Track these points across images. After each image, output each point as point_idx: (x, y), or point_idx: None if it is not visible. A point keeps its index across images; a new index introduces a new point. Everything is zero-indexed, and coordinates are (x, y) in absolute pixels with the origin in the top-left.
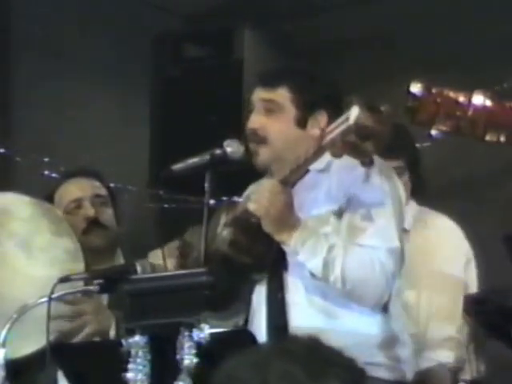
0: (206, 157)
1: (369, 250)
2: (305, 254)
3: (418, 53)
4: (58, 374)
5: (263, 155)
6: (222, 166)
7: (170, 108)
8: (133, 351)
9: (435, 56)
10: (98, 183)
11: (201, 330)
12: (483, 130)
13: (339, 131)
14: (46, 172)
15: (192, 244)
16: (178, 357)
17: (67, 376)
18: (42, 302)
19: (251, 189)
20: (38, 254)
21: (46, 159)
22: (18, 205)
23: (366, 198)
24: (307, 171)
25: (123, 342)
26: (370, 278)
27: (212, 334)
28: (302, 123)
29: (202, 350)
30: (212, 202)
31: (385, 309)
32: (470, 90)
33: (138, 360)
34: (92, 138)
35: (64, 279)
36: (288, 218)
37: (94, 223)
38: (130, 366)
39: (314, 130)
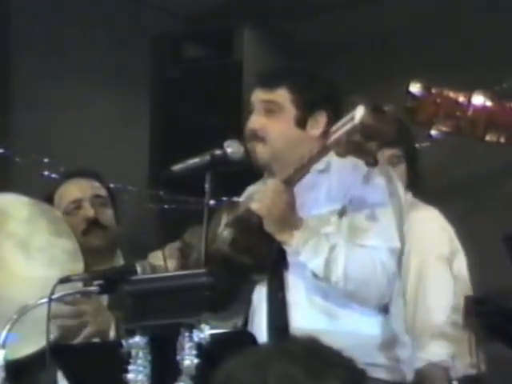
0: (207, 157)
1: (370, 250)
2: (306, 254)
3: (418, 53)
4: (57, 375)
5: (262, 153)
6: (223, 167)
7: (169, 108)
8: (133, 352)
9: (435, 56)
10: (97, 184)
11: (201, 330)
12: (483, 131)
13: (344, 131)
14: (46, 172)
15: (192, 245)
16: (178, 357)
17: (67, 377)
18: (43, 303)
19: (250, 190)
20: (37, 254)
21: (46, 160)
22: (16, 205)
23: (367, 199)
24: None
25: (123, 342)
26: (372, 278)
27: (212, 335)
28: (301, 123)
29: (202, 350)
30: (212, 202)
31: (385, 309)
32: (469, 90)
33: (139, 361)
34: (92, 139)
35: (64, 280)
36: (290, 217)
37: (93, 224)
38: (131, 366)
39: (313, 130)
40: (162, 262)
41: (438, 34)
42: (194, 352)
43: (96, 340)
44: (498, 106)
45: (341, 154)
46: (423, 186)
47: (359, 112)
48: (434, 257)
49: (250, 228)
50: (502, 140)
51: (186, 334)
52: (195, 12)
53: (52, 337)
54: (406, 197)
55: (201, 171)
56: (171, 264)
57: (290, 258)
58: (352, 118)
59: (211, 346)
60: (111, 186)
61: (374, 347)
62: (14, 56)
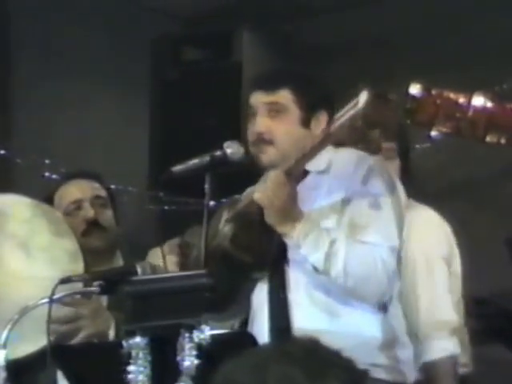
0: (206, 158)
1: (371, 247)
2: (307, 248)
3: (418, 53)
4: (57, 375)
5: (270, 155)
6: (222, 168)
7: (169, 110)
8: (133, 352)
9: (435, 57)
10: (97, 185)
11: (201, 331)
12: (483, 132)
13: (348, 116)
14: (47, 173)
15: (192, 244)
16: (178, 358)
17: (68, 377)
18: (43, 303)
19: (249, 191)
20: (38, 254)
21: (47, 160)
22: (17, 206)
23: (367, 197)
24: (307, 172)
25: (124, 343)
26: (372, 275)
27: (212, 336)
28: (306, 123)
29: (202, 351)
30: (212, 203)
31: (384, 308)
32: (469, 91)
33: (139, 361)
34: (92, 140)
35: (65, 280)
36: (291, 209)
37: (93, 225)
38: (131, 367)
39: (317, 129)
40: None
41: (438, 35)
42: (194, 353)
43: (96, 341)
44: (499, 107)
45: (344, 142)
46: (415, 186)
47: (363, 97)
48: (437, 256)
49: (251, 223)
50: (503, 141)
51: (186, 334)
52: (195, 14)
53: (47, 339)
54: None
55: (201, 172)
56: (171, 260)
57: (291, 255)
58: (356, 104)
59: (211, 347)
60: (111, 187)
61: (374, 347)
62: (15, 57)
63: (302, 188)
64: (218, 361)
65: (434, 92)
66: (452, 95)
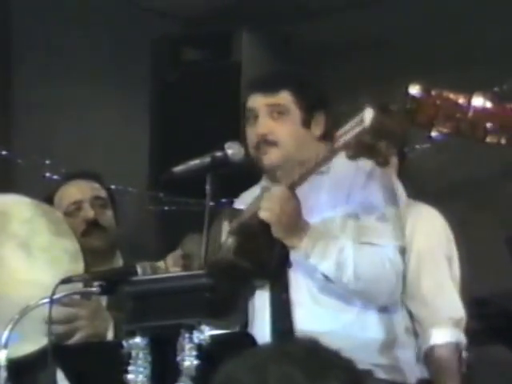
0: (207, 159)
1: (377, 248)
2: (316, 257)
3: (418, 54)
4: (57, 375)
5: (273, 157)
6: (223, 168)
7: (169, 110)
8: (133, 353)
9: (435, 57)
10: (97, 185)
11: (201, 331)
12: (483, 132)
13: (353, 134)
14: (47, 174)
15: (192, 254)
16: (178, 358)
17: (68, 377)
18: (44, 303)
19: (244, 196)
20: (38, 254)
21: (47, 161)
22: (17, 206)
23: (371, 199)
24: None
25: (124, 343)
26: (382, 276)
27: (212, 336)
28: (307, 124)
29: (202, 351)
30: (212, 204)
31: (385, 308)
32: (469, 92)
33: (139, 361)
34: (92, 140)
35: (65, 280)
36: (297, 222)
37: (93, 225)
38: (131, 367)
39: (316, 130)
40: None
41: (437, 36)
42: (194, 353)
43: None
44: (499, 107)
45: (351, 157)
46: (414, 185)
47: (368, 114)
48: (441, 251)
49: (254, 235)
50: (503, 141)
51: (186, 335)
52: (194, 15)
53: (48, 339)
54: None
55: (201, 173)
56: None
57: (293, 257)
58: (361, 121)
59: (211, 347)
60: (111, 187)
61: (375, 347)
62: (15, 58)
63: (302, 189)
64: (217, 361)
65: (433, 92)
66: (452, 96)
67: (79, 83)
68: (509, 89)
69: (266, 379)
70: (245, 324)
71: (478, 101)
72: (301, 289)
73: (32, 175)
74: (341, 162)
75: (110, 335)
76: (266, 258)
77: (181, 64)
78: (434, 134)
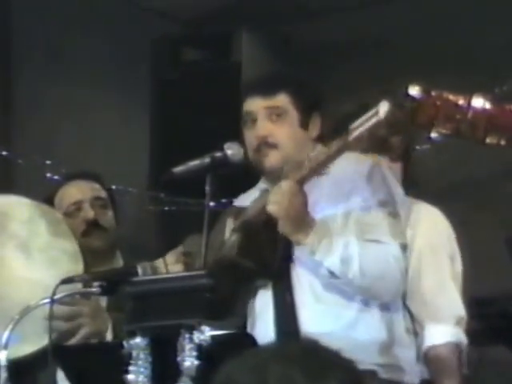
0: (207, 159)
1: (381, 245)
2: (321, 253)
3: (418, 54)
4: (57, 375)
5: (274, 159)
6: (223, 169)
7: (169, 110)
8: (134, 353)
9: (435, 58)
10: (98, 186)
11: (201, 332)
12: (483, 133)
13: (367, 126)
14: (48, 174)
15: (193, 253)
16: (178, 359)
17: (68, 377)
18: (44, 303)
19: (242, 198)
20: (37, 255)
21: (48, 161)
22: (16, 207)
23: (373, 197)
24: None
25: (124, 343)
26: (387, 272)
27: (212, 337)
28: (305, 125)
29: (202, 352)
30: (212, 204)
31: (386, 307)
32: (469, 93)
33: (139, 362)
34: (92, 141)
35: (66, 280)
36: (305, 217)
37: (93, 225)
38: (131, 367)
39: (314, 131)
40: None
41: (437, 37)
42: (195, 353)
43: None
44: (499, 108)
45: (364, 150)
46: (417, 184)
47: (383, 107)
48: (443, 250)
49: (258, 232)
50: (503, 142)
51: (187, 335)
52: (194, 15)
53: (48, 339)
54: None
55: (201, 173)
56: (178, 268)
57: (296, 255)
58: (376, 114)
59: (211, 348)
60: (112, 187)
61: (376, 347)
62: (16, 58)
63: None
64: (218, 361)
65: (433, 93)
66: (452, 97)
67: (79, 83)
68: (509, 90)
69: (266, 380)
70: (243, 325)
71: (478, 102)
72: (303, 288)
73: (32, 175)
74: (341, 162)
75: (108, 336)
76: (269, 258)
77: (181, 64)
78: (433, 134)
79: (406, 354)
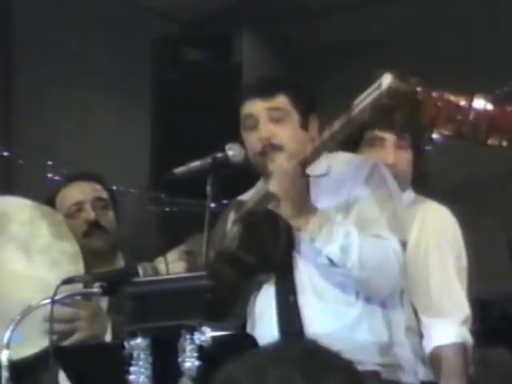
0: (208, 160)
1: (381, 239)
2: (321, 241)
3: (418, 55)
4: (59, 376)
5: (282, 162)
6: (224, 170)
7: (169, 111)
8: (135, 354)
9: (435, 58)
10: (99, 186)
11: (202, 333)
12: (485, 134)
13: (370, 99)
14: (49, 175)
15: (195, 252)
16: (179, 359)
17: (69, 378)
18: (45, 304)
19: (253, 192)
20: (38, 256)
21: (49, 162)
22: (17, 208)
23: (373, 195)
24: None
25: (125, 344)
26: (386, 265)
27: (213, 338)
28: (305, 126)
29: (203, 352)
30: (213, 205)
31: (384, 304)
32: (470, 94)
33: (140, 362)
34: (93, 142)
35: (67, 281)
36: (305, 202)
37: (94, 226)
38: (132, 368)
39: (312, 132)
40: (171, 266)
41: (438, 36)
42: (195, 354)
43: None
44: (500, 110)
45: (367, 122)
46: (427, 187)
47: (386, 79)
48: (449, 248)
49: (259, 224)
50: (504, 144)
51: (187, 336)
52: (195, 16)
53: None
54: (409, 194)
55: (202, 174)
56: (181, 266)
57: (298, 251)
58: (378, 86)
59: (212, 349)
60: (112, 188)
61: (377, 346)
62: (17, 58)
63: None
64: (218, 362)
65: (434, 94)
66: (453, 98)
67: (80, 84)
68: (509, 91)
69: (266, 381)
70: (242, 326)
71: (480, 103)
72: (304, 285)
73: (33, 176)
74: (340, 164)
75: (107, 339)
76: (271, 249)
77: (181, 64)
78: (435, 135)
79: (405, 353)
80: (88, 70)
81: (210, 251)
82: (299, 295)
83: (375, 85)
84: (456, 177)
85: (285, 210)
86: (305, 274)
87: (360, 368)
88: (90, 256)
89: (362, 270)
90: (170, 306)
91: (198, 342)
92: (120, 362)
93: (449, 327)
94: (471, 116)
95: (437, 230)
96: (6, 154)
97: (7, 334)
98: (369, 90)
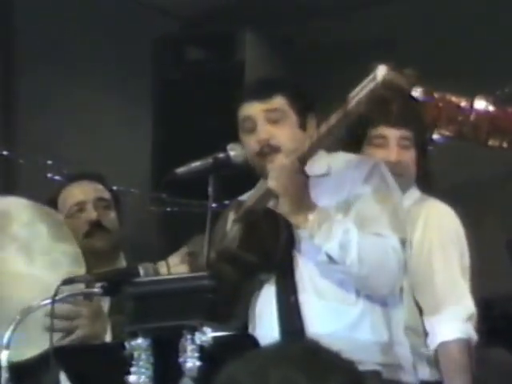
0: (210, 160)
1: (381, 237)
2: (320, 238)
3: (418, 55)
4: (60, 377)
5: (279, 160)
6: (226, 170)
7: (171, 111)
8: (136, 354)
9: (435, 58)
10: (101, 186)
11: (203, 333)
12: (486, 135)
13: (366, 91)
14: (50, 174)
15: (196, 253)
16: (180, 360)
17: (70, 378)
18: (46, 304)
19: (252, 193)
20: (39, 257)
21: (49, 162)
22: (18, 209)
23: (372, 193)
24: (307, 177)
25: (126, 344)
26: (385, 263)
27: (214, 338)
28: (303, 127)
29: (204, 353)
30: (214, 205)
31: (384, 302)
32: (470, 94)
33: (141, 363)
34: (94, 141)
35: (67, 281)
36: (304, 198)
37: (96, 226)
38: (133, 368)
39: (311, 132)
40: (173, 270)
41: (438, 36)
42: (196, 354)
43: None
44: (501, 111)
45: (363, 113)
46: (431, 186)
47: (381, 71)
48: (453, 246)
49: (259, 222)
50: (505, 145)
51: (189, 336)
52: (197, 15)
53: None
54: (414, 193)
55: (204, 174)
56: (183, 269)
57: (298, 251)
58: (373, 78)
59: (213, 349)
60: (114, 188)
61: (378, 346)
62: (18, 58)
63: None
64: (219, 362)
65: (436, 95)
66: (454, 99)
67: (81, 83)
68: (510, 92)
69: (268, 382)
70: (244, 326)
71: (481, 104)
72: (305, 283)
73: (34, 176)
74: (340, 163)
75: (107, 339)
76: (271, 248)
77: (184, 64)
78: (436, 136)
79: (405, 352)
80: (90, 69)
81: (211, 252)
82: (300, 294)
83: (370, 77)
84: (456, 177)
85: (283, 207)
86: (305, 273)
87: (361, 368)
88: (91, 256)
89: (361, 268)
90: (171, 306)
91: (199, 342)
92: (121, 362)
93: (453, 324)
94: (472, 117)
95: (440, 229)
96: (6, 153)
97: (7, 335)
98: (364, 83)
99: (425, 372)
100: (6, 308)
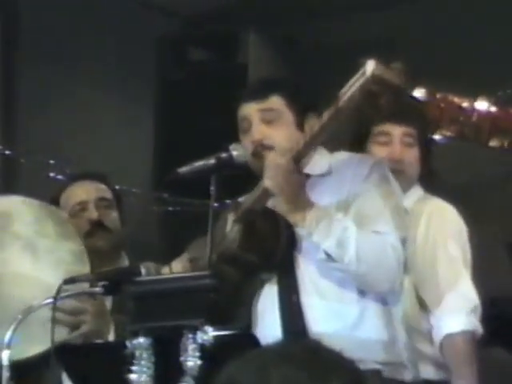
0: (212, 160)
1: (380, 235)
2: (319, 235)
3: (418, 55)
4: (63, 375)
5: (272, 157)
6: (228, 170)
7: (173, 111)
8: (137, 353)
9: (435, 59)
10: (103, 186)
11: (204, 332)
12: (487, 136)
13: (357, 87)
14: (51, 174)
15: (198, 258)
16: (181, 359)
17: (71, 377)
18: (48, 303)
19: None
20: (43, 256)
21: (51, 161)
22: (22, 207)
23: (372, 191)
24: (308, 176)
25: (127, 343)
26: (384, 260)
27: (215, 337)
28: (301, 126)
29: (205, 352)
30: (216, 205)
31: (385, 300)
32: (470, 94)
33: (142, 362)
34: (96, 141)
35: (69, 280)
36: (301, 197)
37: (97, 226)
38: (134, 367)
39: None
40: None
41: (438, 36)
42: (198, 353)
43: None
44: (502, 111)
45: (354, 112)
46: (434, 184)
47: (370, 66)
48: (456, 245)
49: (259, 222)
50: (506, 145)
51: (190, 335)
52: (200, 15)
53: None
54: (417, 191)
55: (206, 174)
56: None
57: (299, 250)
58: (363, 74)
59: (214, 348)
60: (116, 187)
61: (380, 345)
62: (19, 57)
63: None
64: (221, 362)
65: (438, 96)
66: (456, 99)
67: (83, 83)
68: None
69: (269, 381)
70: (246, 326)
71: (482, 105)
72: (306, 283)
73: (36, 175)
74: (341, 163)
75: (110, 339)
76: (272, 247)
77: (186, 64)
78: (437, 136)
79: (405, 350)
80: (92, 69)
81: (212, 253)
82: (301, 294)
83: (359, 72)
84: (456, 177)
85: (281, 206)
86: (306, 272)
87: (362, 366)
88: (93, 256)
89: (359, 265)
90: (172, 306)
91: (200, 341)
92: (122, 361)
93: (458, 316)
94: (474, 117)
95: (443, 225)
96: (7, 152)
97: (8, 334)
98: (353, 79)
99: (429, 371)
100: (11, 307)
